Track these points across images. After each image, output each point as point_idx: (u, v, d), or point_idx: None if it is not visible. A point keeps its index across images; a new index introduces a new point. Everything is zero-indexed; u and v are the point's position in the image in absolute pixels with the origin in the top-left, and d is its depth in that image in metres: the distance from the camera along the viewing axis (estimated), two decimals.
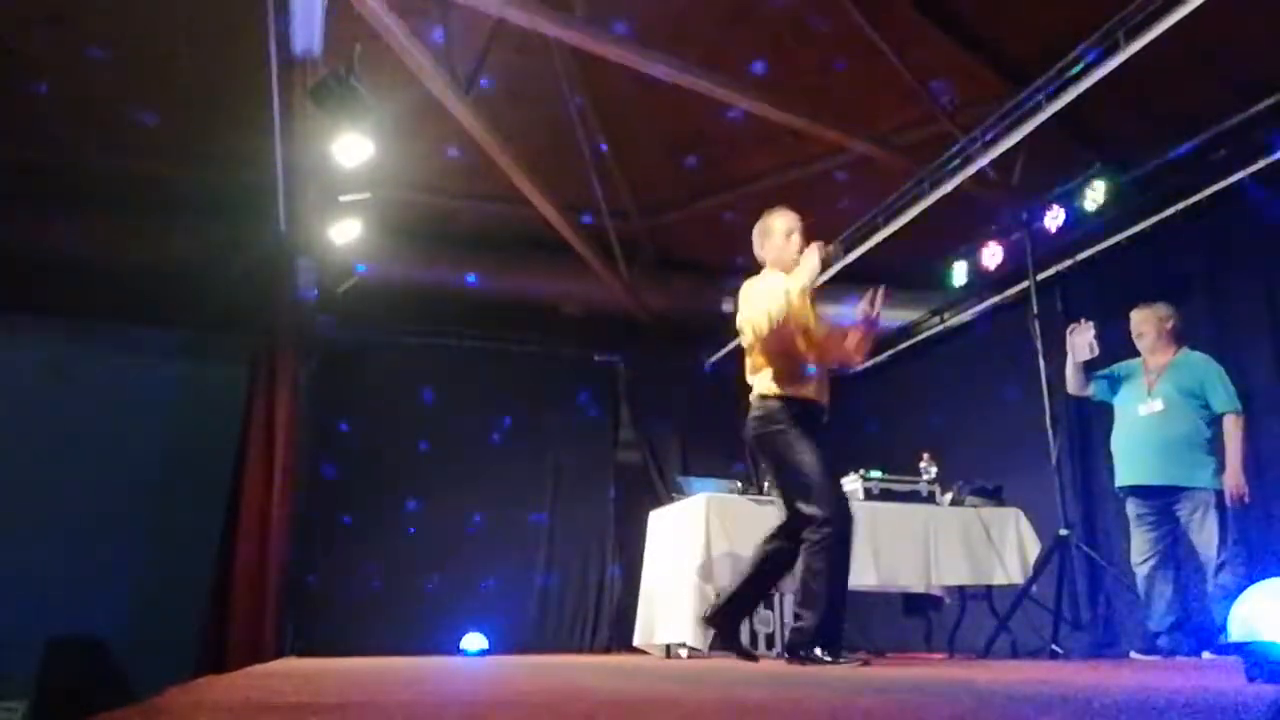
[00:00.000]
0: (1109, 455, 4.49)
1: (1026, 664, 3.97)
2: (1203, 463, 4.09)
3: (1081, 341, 4.48)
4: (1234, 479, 3.98)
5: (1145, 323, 4.35)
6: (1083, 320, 4.53)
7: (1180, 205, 5.10)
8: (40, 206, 5.89)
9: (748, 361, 3.70)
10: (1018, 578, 4.86)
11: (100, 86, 5.34)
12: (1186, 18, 3.84)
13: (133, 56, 5.15)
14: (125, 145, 5.74)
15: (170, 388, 6.57)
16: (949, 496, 5.13)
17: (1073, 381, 4.59)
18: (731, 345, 7.48)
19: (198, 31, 5.02)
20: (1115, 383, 4.48)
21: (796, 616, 3.45)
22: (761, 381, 3.60)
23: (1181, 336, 4.35)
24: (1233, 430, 4.04)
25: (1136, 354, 4.50)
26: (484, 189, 6.40)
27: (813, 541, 3.38)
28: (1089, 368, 4.54)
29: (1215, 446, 4.11)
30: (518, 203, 6.25)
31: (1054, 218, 5.50)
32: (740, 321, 3.62)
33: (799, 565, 3.45)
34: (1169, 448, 4.15)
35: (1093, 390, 4.56)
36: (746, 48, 5.30)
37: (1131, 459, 4.31)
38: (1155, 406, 4.23)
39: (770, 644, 4.66)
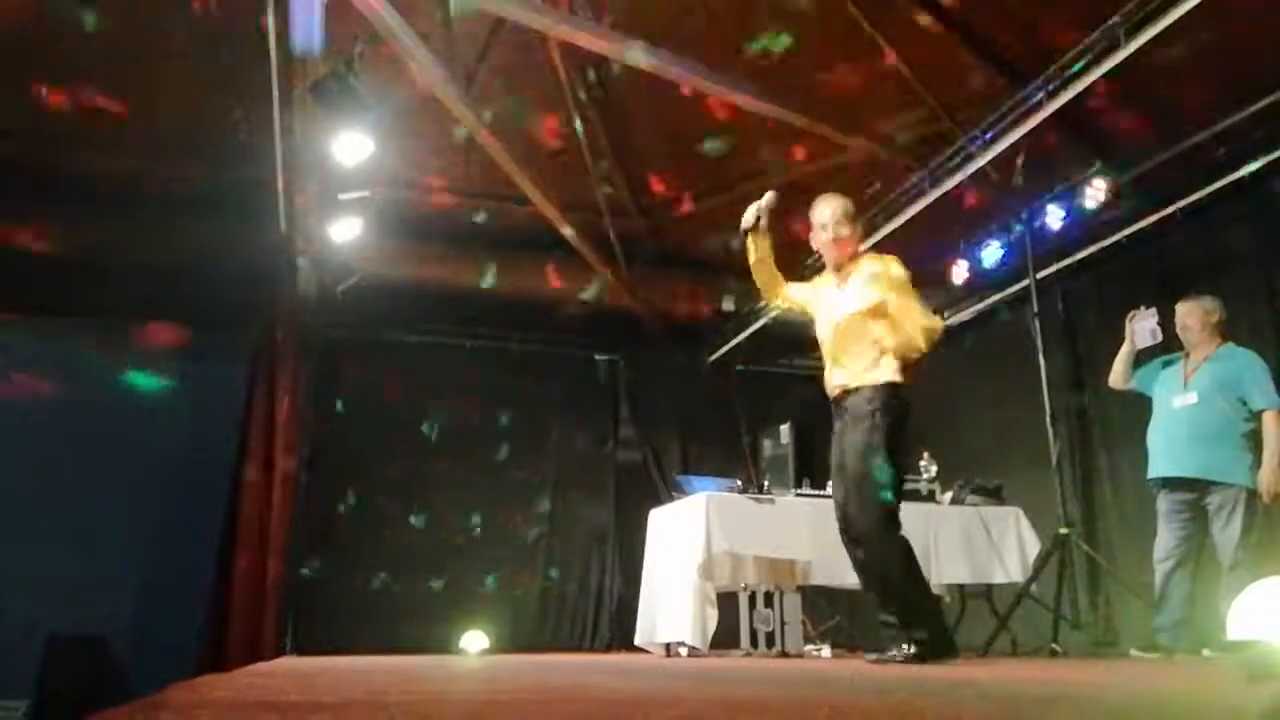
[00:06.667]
0: (1143, 449, 4.38)
1: (1026, 663, 3.97)
2: (1236, 458, 4.00)
3: (1143, 328, 4.39)
4: (1268, 476, 3.89)
5: (1190, 315, 4.27)
6: (1143, 307, 4.44)
7: (1180, 204, 5.10)
8: (40, 206, 5.89)
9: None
10: (1018, 576, 4.86)
11: (100, 86, 5.34)
12: (1186, 17, 3.84)
13: (132, 56, 5.14)
14: (125, 145, 5.74)
15: (170, 387, 6.57)
16: (949, 495, 5.13)
17: (1119, 372, 4.51)
18: (733, 343, 7.50)
19: (198, 30, 5.01)
20: (1156, 375, 4.40)
21: None
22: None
23: (1226, 331, 4.27)
24: (1272, 427, 3.93)
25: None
26: (484, 188, 6.39)
27: None
28: (1138, 358, 4.47)
29: (1251, 443, 4.00)
30: (518, 202, 6.24)
31: (1054, 217, 5.50)
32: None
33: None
34: (1201, 440, 4.08)
35: (1134, 382, 4.49)
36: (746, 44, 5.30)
37: (1164, 450, 4.24)
38: (1189, 399, 4.16)
39: (770, 643, 4.66)
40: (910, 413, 3.50)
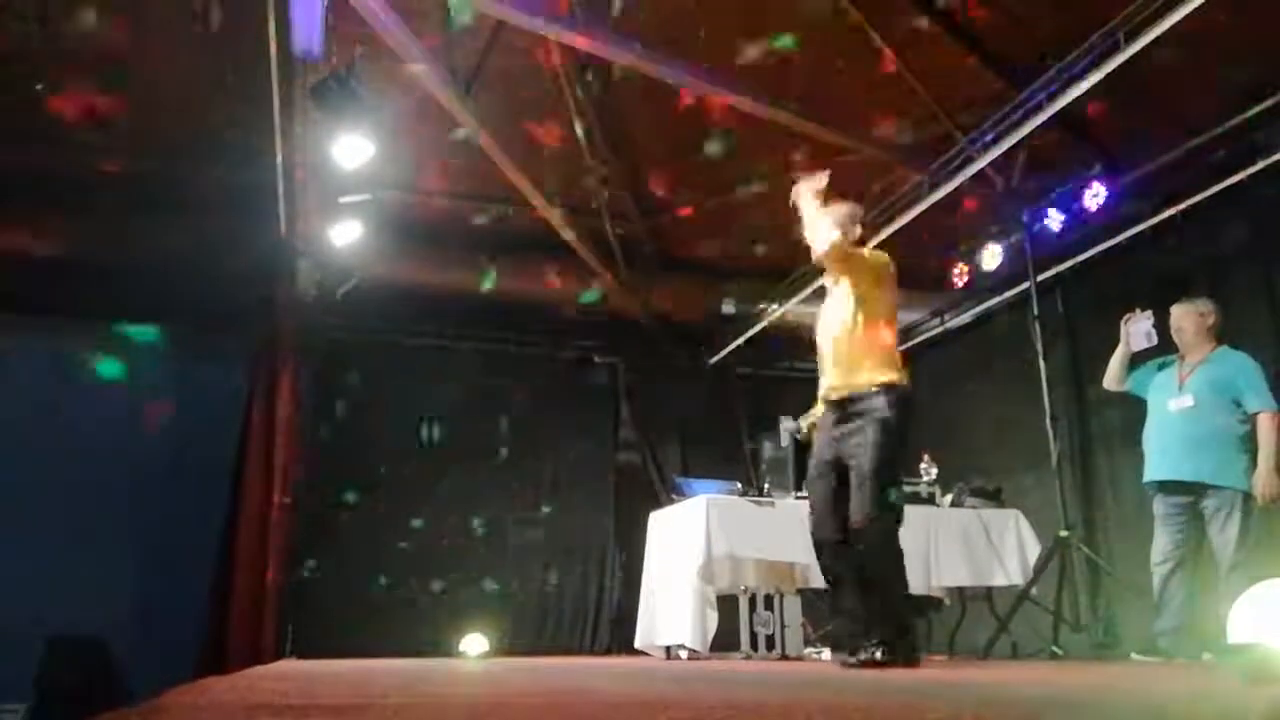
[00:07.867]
0: (1139, 451, 4.38)
1: (1027, 665, 3.97)
2: (1232, 461, 3.99)
3: (1138, 331, 4.40)
4: (1264, 478, 3.89)
5: (1185, 318, 4.26)
6: (1138, 309, 4.44)
7: (1180, 205, 5.10)
8: (40, 206, 5.88)
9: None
10: (1018, 579, 4.86)
11: (100, 86, 5.34)
12: (1186, 19, 3.84)
13: (133, 56, 5.15)
14: (126, 145, 5.74)
15: (170, 388, 6.57)
16: (949, 498, 5.14)
17: (1114, 374, 4.51)
18: (733, 345, 7.50)
19: (198, 31, 5.01)
20: (1150, 378, 4.40)
21: None
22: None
23: (1221, 334, 4.26)
24: (1267, 429, 3.93)
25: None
26: (484, 189, 6.39)
27: None
28: (1133, 361, 4.47)
29: (1247, 445, 3.99)
30: (518, 203, 6.24)
31: (1054, 218, 5.50)
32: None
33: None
34: (1197, 443, 4.07)
35: (1129, 385, 4.48)
36: (746, 48, 5.30)
37: (1160, 454, 4.23)
38: (1185, 402, 4.15)
39: (770, 646, 4.65)
40: (913, 411, 3.48)
